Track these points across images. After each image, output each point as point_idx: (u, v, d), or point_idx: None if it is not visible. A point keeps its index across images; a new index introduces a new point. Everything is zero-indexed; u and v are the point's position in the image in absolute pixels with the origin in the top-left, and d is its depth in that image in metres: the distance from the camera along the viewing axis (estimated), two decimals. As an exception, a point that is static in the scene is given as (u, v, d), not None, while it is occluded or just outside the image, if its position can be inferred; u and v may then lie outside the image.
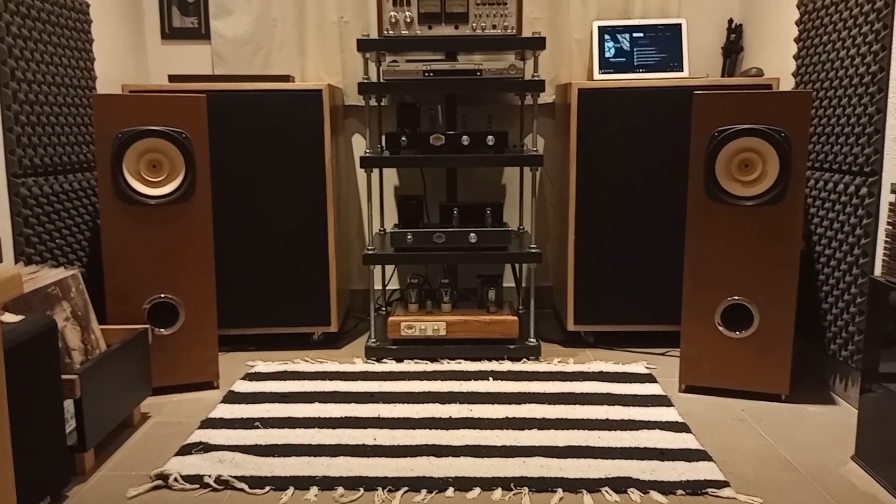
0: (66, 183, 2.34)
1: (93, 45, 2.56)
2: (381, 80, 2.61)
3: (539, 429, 2.01)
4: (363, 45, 2.52)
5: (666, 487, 1.70)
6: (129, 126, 2.20)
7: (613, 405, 2.16)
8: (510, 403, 2.18)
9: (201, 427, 2.05)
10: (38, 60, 2.22)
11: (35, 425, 1.57)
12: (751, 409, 2.18)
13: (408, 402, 2.20)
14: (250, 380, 2.41)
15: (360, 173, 3.21)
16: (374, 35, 2.71)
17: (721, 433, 2.01)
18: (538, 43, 2.50)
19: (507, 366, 2.52)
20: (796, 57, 2.51)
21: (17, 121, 2.10)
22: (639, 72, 2.85)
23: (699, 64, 3.06)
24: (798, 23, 2.49)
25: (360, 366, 2.54)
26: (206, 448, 1.91)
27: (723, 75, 3.03)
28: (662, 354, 2.66)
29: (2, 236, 2.07)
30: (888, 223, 1.76)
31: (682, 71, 2.84)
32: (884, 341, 1.75)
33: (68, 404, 1.77)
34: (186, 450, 1.91)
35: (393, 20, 2.53)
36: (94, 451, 1.87)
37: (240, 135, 2.61)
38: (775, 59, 2.73)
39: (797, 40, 2.50)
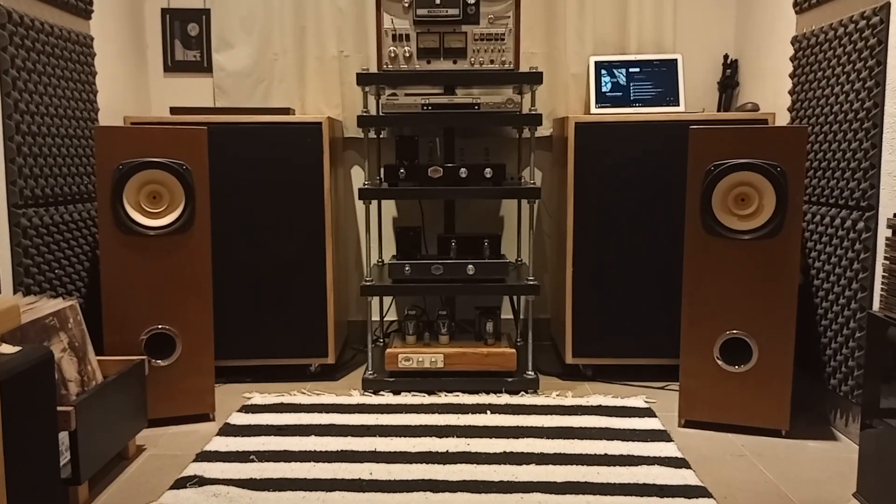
0: (66, 213, 2.35)
1: (95, 78, 2.59)
2: (381, 114, 2.64)
3: (537, 464, 1.99)
4: (363, 79, 2.55)
5: (665, 524, 1.68)
6: (131, 157, 2.21)
7: (612, 440, 2.15)
8: (508, 437, 2.17)
9: (196, 460, 2.03)
10: (42, 93, 2.24)
11: (29, 457, 1.55)
12: (751, 444, 2.16)
13: (405, 436, 2.18)
14: (246, 412, 2.39)
15: (359, 205, 3.22)
16: (373, 69, 2.74)
17: (721, 469, 2.00)
18: (535, 78, 2.53)
19: (504, 399, 2.51)
20: (791, 92, 2.54)
21: (20, 152, 2.12)
22: (635, 106, 2.88)
23: (695, 98, 3.09)
24: (793, 58, 2.53)
25: (357, 398, 2.53)
26: (200, 482, 1.89)
27: (719, 110, 3.07)
28: (661, 388, 2.64)
29: (1, 267, 2.07)
30: (885, 258, 1.77)
31: (679, 105, 2.87)
32: (883, 377, 1.74)
33: (63, 436, 1.76)
34: (181, 483, 1.88)
35: (392, 55, 2.57)
36: (89, 484, 1.85)
37: (240, 166, 2.63)
38: (771, 94, 2.76)
39: (792, 76, 2.53)
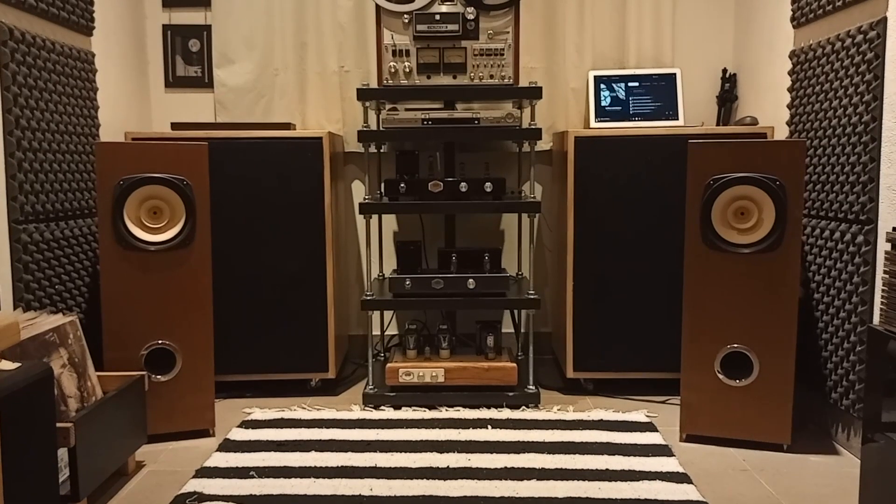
0: (66, 229, 2.36)
1: (97, 94, 2.60)
2: (381, 128, 2.65)
3: (538, 479, 1.98)
4: (363, 95, 2.56)
5: (667, 540, 1.67)
6: (131, 173, 2.22)
7: (614, 455, 2.14)
8: (509, 452, 2.16)
9: (196, 476, 2.03)
10: (43, 109, 2.25)
11: (28, 474, 1.54)
12: (752, 458, 2.15)
13: (405, 451, 2.17)
14: (246, 427, 2.38)
15: (360, 219, 3.23)
16: (373, 84, 2.75)
17: (723, 484, 1.99)
18: (535, 92, 2.54)
19: (505, 413, 2.50)
20: (790, 106, 2.55)
21: (21, 168, 2.12)
22: (634, 120, 2.89)
23: (694, 112, 3.10)
24: (791, 73, 2.54)
25: (357, 413, 2.52)
26: (200, 498, 1.88)
27: (718, 124, 3.07)
28: (663, 402, 2.63)
29: (1, 283, 2.07)
30: (885, 272, 1.77)
31: (678, 119, 2.88)
32: (884, 390, 1.73)
33: (62, 453, 1.75)
34: (181, 500, 1.88)
35: (392, 70, 2.58)
36: (88, 500, 1.84)
37: (241, 181, 2.64)
38: (769, 108, 2.77)
39: (790, 90, 2.54)
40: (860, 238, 2.10)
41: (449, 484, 1.96)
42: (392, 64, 2.58)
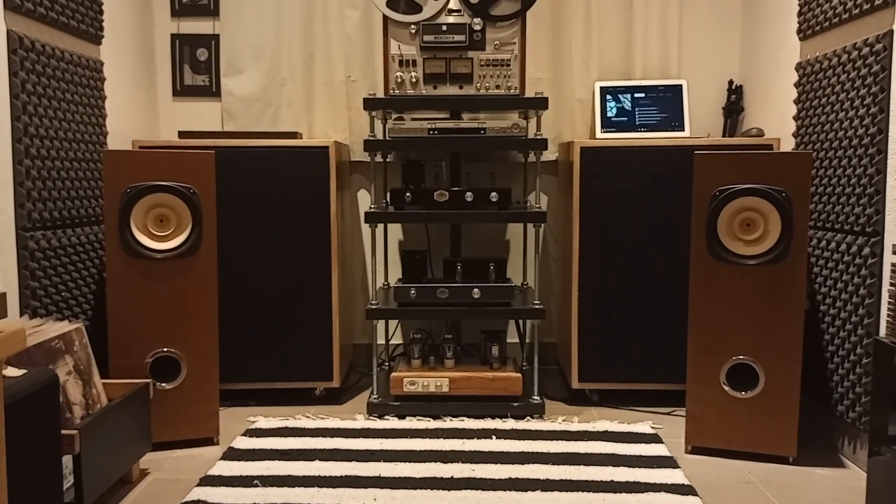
0: (73, 236, 2.37)
1: (105, 102, 2.62)
2: (387, 138, 2.65)
3: (543, 490, 1.98)
4: (370, 104, 2.58)
5: (672, 553, 1.66)
6: (138, 181, 2.23)
7: (618, 466, 2.13)
8: (513, 463, 2.15)
9: (200, 484, 2.02)
10: (52, 117, 2.27)
11: (32, 482, 1.55)
12: (758, 471, 2.14)
13: (409, 461, 2.17)
14: (251, 436, 2.38)
15: (365, 228, 3.23)
16: (380, 94, 2.76)
17: (728, 497, 1.98)
18: (541, 103, 2.55)
19: (510, 424, 2.49)
20: (796, 118, 2.55)
21: (28, 175, 2.14)
22: (640, 131, 2.89)
23: (700, 124, 3.10)
24: (797, 84, 2.54)
25: (361, 422, 2.52)
26: (203, 507, 1.88)
27: (724, 135, 3.07)
28: (668, 414, 2.62)
29: (8, 290, 2.08)
30: (891, 284, 1.76)
31: (684, 130, 2.88)
32: (891, 403, 1.72)
33: (67, 460, 1.75)
34: (184, 508, 1.88)
35: (399, 80, 2.59)
36: (91, 508, 1.84)
37: (247, 190, 2.64)
38: (775, 119, 2.77)
39: (797, 102, 2.54)
40: (866, 250, 2.10)
41: (453, 494, 1.95)
42: (399, 74, 2.59)
